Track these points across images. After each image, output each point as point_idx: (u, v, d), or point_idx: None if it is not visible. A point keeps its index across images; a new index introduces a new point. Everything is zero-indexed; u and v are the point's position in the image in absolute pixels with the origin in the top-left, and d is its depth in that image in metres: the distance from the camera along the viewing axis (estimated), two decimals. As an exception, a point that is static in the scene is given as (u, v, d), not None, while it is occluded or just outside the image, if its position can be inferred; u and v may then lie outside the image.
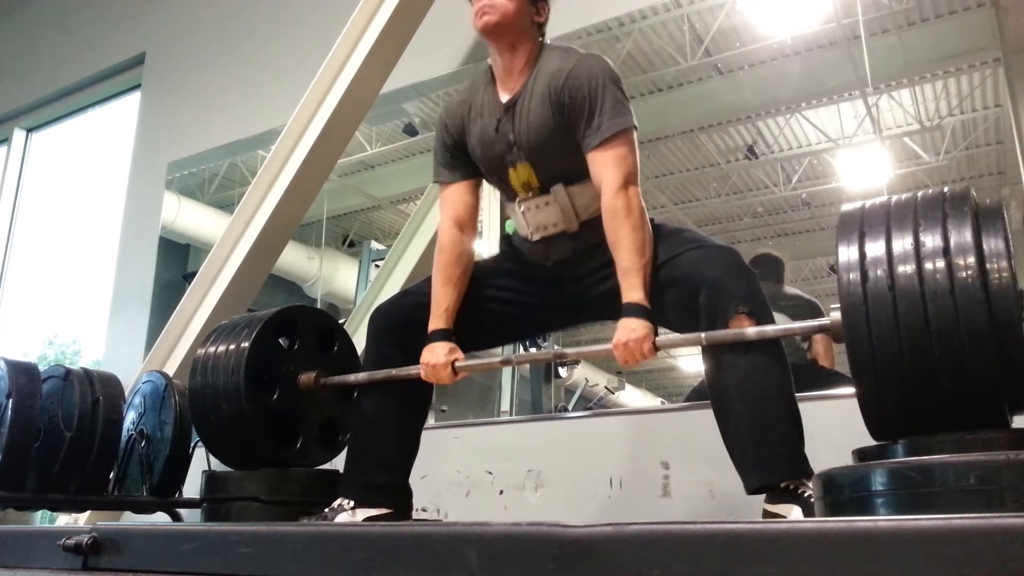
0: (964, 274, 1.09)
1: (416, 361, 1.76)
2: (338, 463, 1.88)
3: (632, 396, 3.50)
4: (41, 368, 2.29)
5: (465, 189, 1.87)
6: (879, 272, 1.14)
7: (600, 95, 1.67)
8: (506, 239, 1.96)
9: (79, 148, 6.14)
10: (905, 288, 1.12)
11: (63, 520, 3.07)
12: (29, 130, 5.57)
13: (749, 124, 3.08)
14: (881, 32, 2.66)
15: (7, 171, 5.44)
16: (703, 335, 1.51)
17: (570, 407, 3.29)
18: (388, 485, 1.79)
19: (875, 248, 1.16)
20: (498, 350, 2.24)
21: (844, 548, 0.80)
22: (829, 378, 2.49)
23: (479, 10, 1.75)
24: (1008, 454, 0.95)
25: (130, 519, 2.73)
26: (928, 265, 1.11)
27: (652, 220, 1.71)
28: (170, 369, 2.95)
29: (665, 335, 1.54)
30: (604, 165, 1.66)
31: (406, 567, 1.08)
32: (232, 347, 1.88)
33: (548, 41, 1.84)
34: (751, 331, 1.48)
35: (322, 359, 2.00)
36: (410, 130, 3.90)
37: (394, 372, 1.79)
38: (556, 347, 3.45)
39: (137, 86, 4.85)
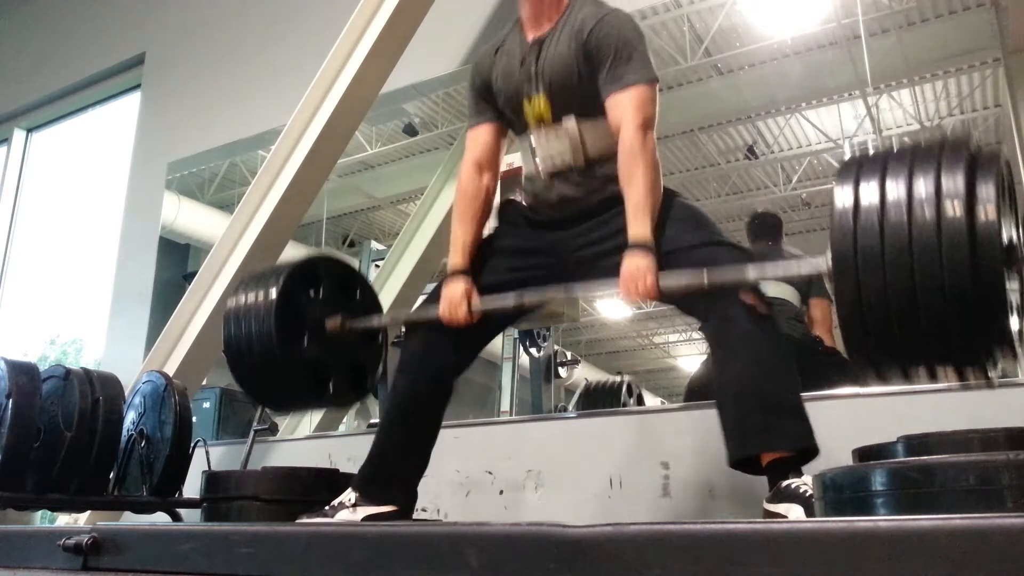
0: (951, 214, 1.14)
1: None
2: (338, 462, 1.86)
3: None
4: (41, 368, 2.29)
5: (488, 131, 1.93)
6: (871, 213, 1.19)
7: (626, 47, 1.75)
8: (501, 208, 1.98)
9: (79, 148, 6.12)
10: (894, 227, 1.17)
11: (63, 520, 3.07)
12: (29, 130, 5.57)
13: (749, 124, 3.08)
14: (881, 32, 2.66)
15: (7, 171, 5.44)
16: (705, 273, 1.55)
17: (570, 407, 3.29)
18: (408, 482, 1.83)
19: (869, 189, 1.21)
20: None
21: (844, 548, 0.80)
22: (830, 365, 2.49)
23: None
24: (1008, 454, 0.95)
25: (130, 519, 2.73)
26: (918, 207, 1.16)
27: (669, 189, 1.76)
28: (170, 369, 2.95)
29: (667, 273, 1.59)
30: (624, 108, 1.72)
31: (406, 567, 1.08)
32: (261, 298, 1.93)
33: None
34: (751, 272, 1.53)
35: (345, 305, 2.04)
36: (410, 130, 3.90)
37: (413, 315, 1.87)
38: (556, 347, 3.45)
39: (137, 86, 4.85)
